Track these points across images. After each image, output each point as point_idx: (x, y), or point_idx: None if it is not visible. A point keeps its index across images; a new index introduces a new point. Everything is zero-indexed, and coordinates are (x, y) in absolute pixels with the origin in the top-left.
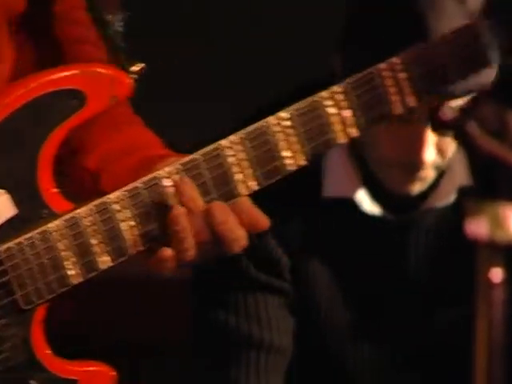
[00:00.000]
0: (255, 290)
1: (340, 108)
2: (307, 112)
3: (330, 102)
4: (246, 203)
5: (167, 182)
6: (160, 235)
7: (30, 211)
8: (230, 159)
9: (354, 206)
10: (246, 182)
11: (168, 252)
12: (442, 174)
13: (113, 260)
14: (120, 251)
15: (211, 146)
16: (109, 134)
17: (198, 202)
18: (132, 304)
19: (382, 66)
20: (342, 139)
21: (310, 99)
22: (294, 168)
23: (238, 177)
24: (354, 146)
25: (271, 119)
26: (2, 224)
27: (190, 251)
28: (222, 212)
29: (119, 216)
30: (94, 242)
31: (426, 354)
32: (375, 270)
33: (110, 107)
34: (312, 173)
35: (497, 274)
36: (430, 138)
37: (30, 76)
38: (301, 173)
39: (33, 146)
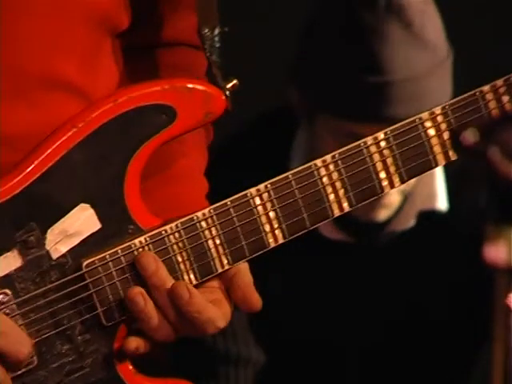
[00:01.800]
0: None
1: (440, 130)
2: (406, 133)
3: (429, 124)
4: (246, 279)
5: (258, 200)
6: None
7: (116, 226)
8: (324, 179)
9: (314, 231)
10: (339, 202)
11: (132, 342)
12: (406, 198)
13: (197, 279)
14: (205, 270)
15: (304, 165)
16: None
17: (163, 277)
18: None
19: (486, 88)
20: (441, 162)
21: (408, 120)
22: (389, 189)
23: (332, 197)
24: None
25: (369, 139)
26: (86, 238)
27: (159, 331)
28: (186, 292)
29: (206, 233)
30: (179, 259)
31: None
32: (336, 293)
33: (205, 123)
34: None
35: None
36: None
37: (119, 90)
38: None
39: (120, 161)
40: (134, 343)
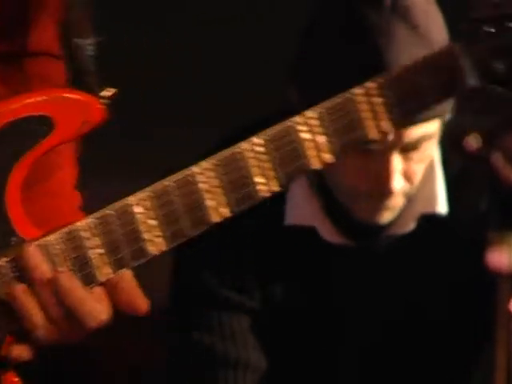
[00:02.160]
0: (228, 310)
1: (314, 133)
2: (281, 137)
3: (303, 128)
4: (129, 282)
5: (137, 209)
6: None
7: None
8: (202, 185)
9: (315, 234)
10: (218, 208)
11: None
12: (407, 201)
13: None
14: (88, 279)
15: (182, 173)
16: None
17: (42, 271)
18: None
19: (358, 90)
20: (315, 165)
21: (283, 124)
22: (267, 194)
23: (211, 203)
24: (315, 174)
25: (244, 145)
26: None
27: (40, 330)
28: (69, 281)
29: (88, 243)
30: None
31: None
32: (335, 297)
33: (82, 132)
34: (276, 201)
35: None
36: (397, 165)
37: None
38: (264, 200)
39: (0, 173)
40: (16, 351)
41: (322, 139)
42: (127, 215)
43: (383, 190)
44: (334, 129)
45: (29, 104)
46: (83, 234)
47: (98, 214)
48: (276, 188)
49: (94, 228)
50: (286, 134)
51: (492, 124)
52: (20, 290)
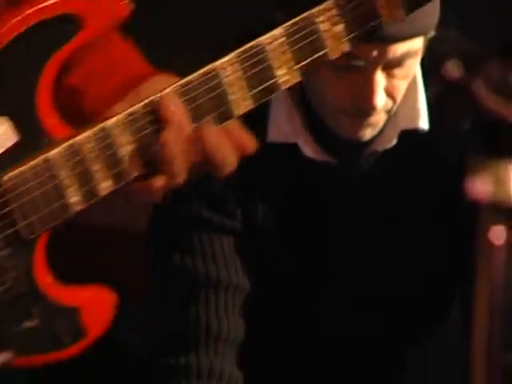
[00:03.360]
0: (209, 231)
1: (332, 23)
2: (300, 29)
3: (322, 18)
4: (236, 126)
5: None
6: (155, 160)
7: (31, 139)
8: (226, 79)
9: (297, 152)
10: (241, 101)
11: (161, 181)
12: (389, 117)
13: (114, 185)
14: (120, 176)
15: (207, 67)
16: (91, 51)
17: (187, 124)
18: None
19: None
20: (334, 54)
21: (302, 16)
22: (288, 85)
23: (234, 97)
24: (298, 91)
25: (265, 38)
26: (3, 153)
27: (180, 176)
28: (212, 134)
29: (119, 141)
30: (94, 168)
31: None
32: (318, 214)
33: (109, 30)
34: (257, 118)
35: (498, 235)
36: (380, 82)
37: (24, 4)
38: (246, 118)
39: (32, 74)
40: (162, 180)
41: (340, 28)
42: None
43: (366, 107)
44: (352, 17)
45: (56, 3)
46: (115, 131)
47: (129, 111)
48: (297, 79)
49: (125, 124)
50: (306, 24)
51: (474, 49)
52: (168, 137)
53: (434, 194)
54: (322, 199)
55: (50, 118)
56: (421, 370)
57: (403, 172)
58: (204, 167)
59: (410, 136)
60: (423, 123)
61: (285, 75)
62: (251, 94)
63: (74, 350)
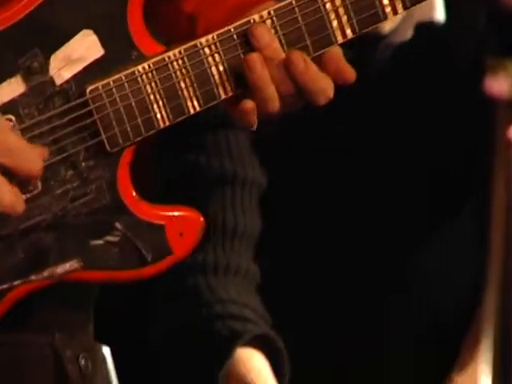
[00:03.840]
0: (225, 128)
1: None
2: None
3: None
4: (336, 53)
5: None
6: (245, 83)
7: (119, 52)
8: (328, 5)
9: None
10: (341, 29)
11: (249, 103)
12: None
13: (201, 105)
14: (208, 96)
15: None
16: None
17: (276, 49)
18: None
19: None
20: None
21: None
22: (391, 16)
23: (334, 24)
24: None
25: None
26: (89, 65)
27: (272, 102)
28: (302, 61)
29: (210, 60)
30: (182, 85)
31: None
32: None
33: None
34: None
35: None
36: None
37: None
38: None
39: None
40: (251, 103)
41: None
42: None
43: None
44: None
45: None
46: (206, 50)
47: (221, 31)
48: (401, 10)
49: (216, 44)
50: None
51: None
52: (256, 60)
53: (449, 92)
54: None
55: (140, 33)
56: (426, 284)
57: (419, 66)
58: (300, 97)
59: (426, 29)
60: (439, 14)
61: (388, 5)
62: (352, 22)
63: (155, 269)
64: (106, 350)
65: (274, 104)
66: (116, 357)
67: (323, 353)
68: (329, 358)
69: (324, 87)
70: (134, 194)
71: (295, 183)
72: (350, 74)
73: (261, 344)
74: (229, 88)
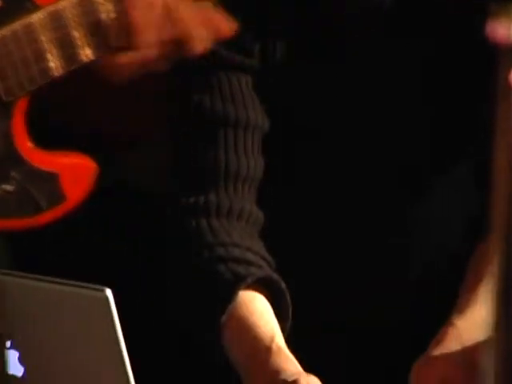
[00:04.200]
0: (227, 70)
1: None
2: None
3: None
4: (211, 6)
5: None
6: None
7: (13, 3)
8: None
9: None
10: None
11: (124, 57)
12: None
13: (94, 54)
14: (101, 45)
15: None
16: None
17: None
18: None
19: None
20: None
21: None
22: None
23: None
24: None
25: None
26: None
27: (150, 51)
28: (185, 9)
29: (102, 8)
30: (76, 34)
31: None
32: (337, 44)
33: None
34: None
35: None
36: None
37: None
38: None
39: None
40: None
41: None
42: None
43: None
44: None
45: None
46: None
47: None
48: None
49: None
50: None
51: None
52: (134, 4)
53: (452, 33)
54: (339, 27)
55: None
56: (426, 230)
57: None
58: (176, 47)
59: None
60: None
61: None
62: None
63: (50, 215)
64: (109, 293)
65: (151, 52)
66: (119, 301)
67: (324, 300)
68: (330, 305)
69: (201, 36)
70: (29, 143)
71: (296, 120)
72: (226, 27)
73: (264, 287)
74: (120, 36)
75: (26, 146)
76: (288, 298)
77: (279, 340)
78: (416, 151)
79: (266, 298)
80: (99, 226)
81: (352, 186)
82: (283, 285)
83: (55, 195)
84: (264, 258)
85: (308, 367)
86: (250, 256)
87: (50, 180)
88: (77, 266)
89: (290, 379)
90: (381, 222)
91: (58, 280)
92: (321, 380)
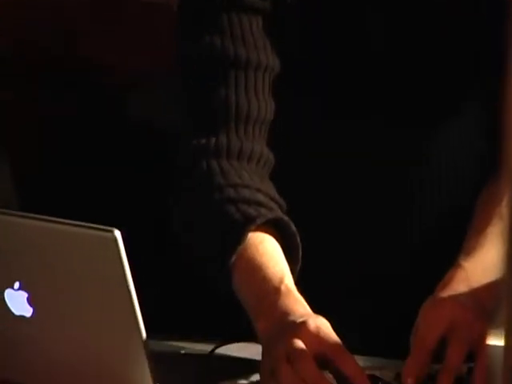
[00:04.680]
0: (238, 11)
1: None
2: None
3: None
4: None
5: None
6: None
7: None
8: None
9: None
10: None
11: None
12: None
13: None
14: None
15: None
16: None
17: None
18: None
19: None
20: None
21: None
22: None
23: None
24: None
25: None
26: None
27: None
28: None
29: None
30: None
31: None
32: None
33: None
34: None
35: None
36: None
37: None
38: None
39: None
40: None
41: None
42: None
43: None
44: None
45: None
46: None
47: None
48: None
49: None
50: None
51: None
52: None
53: None
54: None
55: None
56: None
57: None
58: None
59: None
60: None
61: None
62: None
63: None
64: (118, 234)
65: None
66: (128, 241)
67: (332, 245)
68: (338, 251)
69: None
70: None
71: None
72: None
73: (274, 229)
74: None
75: None
76: (298, 240)
77: (288, 281)
78: (425, 90)
79: (276, 239)
80: (109, 165)
81: (362, 128)
82: (293, 227)
83: None
84: (275, 200)
85: (317, 309)
86: (260, 197)
87: None
88: (86, 207)
89: (298, 320)
90: (394, 161)
91: (67, 221)
92: (330, 322)
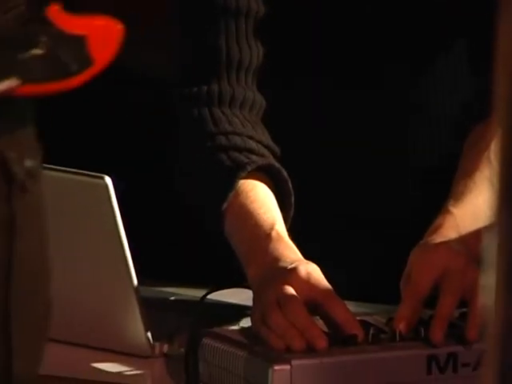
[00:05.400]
0: None
1: None
2: None
3: None
4: None
5: None
6: None
7: None
8: None
9: None
10: None
11: None
12: None
13: None
14: None
15: None
16: None
17: None
18: None
19: None
20: None
21: None
22: None
23: None
24: None
25: None
26: None
27: None
28: None
29: None
30: None
31: None
32: None
33: None
34: None
35: None
36: None
37: None
38: None
39: None
40: None
41: None
42: None
43: None
44: None
45: None
46: None
47: None
48: None
49: None
50: None
51: None
52: None
53: None
54: None
55: None
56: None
57: None
58: None
59: None
60: None
61: None
62: None
63: (80, 79)
64: (109, 180)
65: None
66: (119, 188)
67: (324, 189)
68: (330, 196)
69: None
70: (57, 7)
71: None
72: None
73: (266, 175)
74: None
75: (54, 9)
76: (290, 186)
77: (280, 227)
78: (411, 29)
79: (269, 186)
80: (102, 113)
81: (354, 71)
82: (285, 173)
83: (83, 58)
84: (267, 147)
85: (308, 256)
86: (251, 144)
87: (78, 43)
88: (79, 154)
89: (289, 266)
90: (382, 105)
91: (58, 168)
92: (321, 268)
